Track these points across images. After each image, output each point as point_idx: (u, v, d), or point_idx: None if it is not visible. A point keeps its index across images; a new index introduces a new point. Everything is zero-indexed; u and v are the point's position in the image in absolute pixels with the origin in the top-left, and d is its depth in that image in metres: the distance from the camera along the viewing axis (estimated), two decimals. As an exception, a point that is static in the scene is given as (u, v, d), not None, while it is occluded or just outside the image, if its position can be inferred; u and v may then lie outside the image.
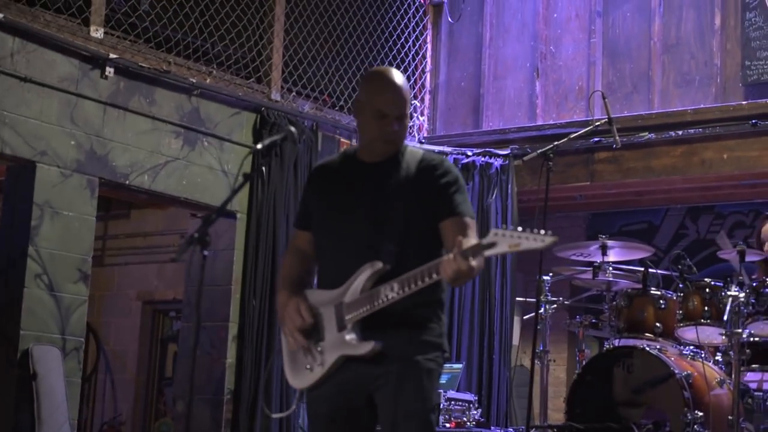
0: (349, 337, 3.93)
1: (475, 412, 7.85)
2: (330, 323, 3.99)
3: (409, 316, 3.94)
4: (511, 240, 3.54)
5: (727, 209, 9.42)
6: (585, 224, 9.85)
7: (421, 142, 9.54)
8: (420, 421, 3.91)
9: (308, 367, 4.02)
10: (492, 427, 8.11)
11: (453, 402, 7.64)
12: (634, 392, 6.35)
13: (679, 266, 6.49)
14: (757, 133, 8.30)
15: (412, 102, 9.61)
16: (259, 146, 4.12)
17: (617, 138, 6.91)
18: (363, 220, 4.01)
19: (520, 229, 3.55)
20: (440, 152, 9.32)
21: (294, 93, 8.64)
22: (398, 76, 4.05)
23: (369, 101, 4.03)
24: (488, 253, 3.61)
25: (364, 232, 3.99)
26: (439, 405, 7.27)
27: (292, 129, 4.23)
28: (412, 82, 9.64)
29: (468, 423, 7.72)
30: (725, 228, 9.40)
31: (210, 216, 4.00)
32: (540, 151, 6.75)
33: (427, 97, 9.82)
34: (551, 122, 9.14)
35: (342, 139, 8.95)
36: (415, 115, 9.67)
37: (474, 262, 3.66)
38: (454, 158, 9.16)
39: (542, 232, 3.51)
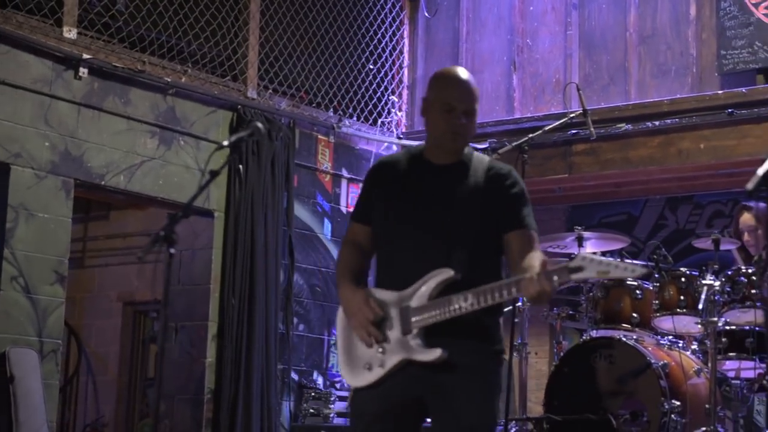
0: (414, 342, 3.90)
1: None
2: (395, 325, 3.94)
3: (475, 325, 3.92)
4: (599, 267, 3.58)
5: (706, 199, 9.44)
6: (564, 217, 9.85)
7: (399, 138, 9.54)
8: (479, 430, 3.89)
9: (367, 366, 3.98)
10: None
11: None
12: (612, 383, 6.34)
13: (655, 256, 6.50)
14: (733, 122, 8.32)
15: (390, 97, 9.61)
16: (225, 143, 4.09)
17: (592, 129, 6.92)
18: (432, 224, 3.96)
19: (609, 257, 3.63)
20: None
21: (270, 90, 8.63)
22: (464, 73, 4.08)
23: (436, 97, 4.03)
24: (575, 277, 3.64)
25: (433, 237, 3.95)
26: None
27: (259, 125, 4.20)
28: (389, 78, 9.63)
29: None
30: (704, 218, 9.41)
31: (176, 214, 4.00)
32: (515, 143, 6.76)
33: (404, 93, 9.82)
34: (529, 115, 9.15)
35: (319, 136, 8.95)
36: (393, 110, 9.66)
37: (556, 284, 3.67)
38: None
39: (634, 263, 3.61)
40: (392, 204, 4.05)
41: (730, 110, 8.29)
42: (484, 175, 4.00)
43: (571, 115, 7.03)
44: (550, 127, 7.02)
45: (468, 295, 3.82)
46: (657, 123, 8.61)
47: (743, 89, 8.30)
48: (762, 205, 7.20)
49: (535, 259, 3.78)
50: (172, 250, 3.83)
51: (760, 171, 3.29)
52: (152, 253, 10.94)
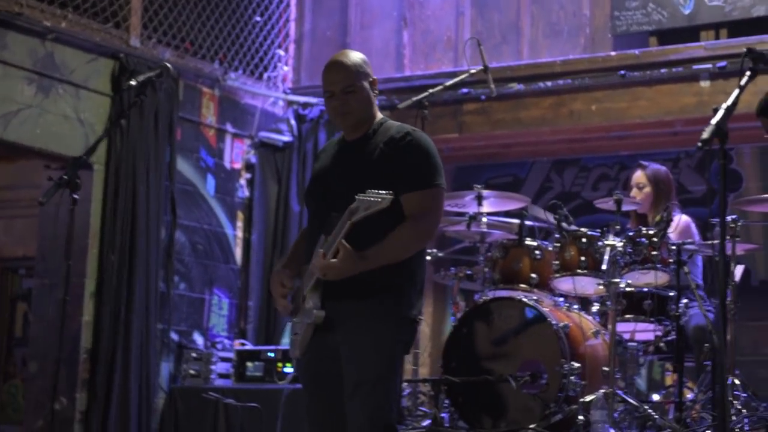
0: (308, 306, 4.12)
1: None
2: (301, 295, 4.21)
3: (361, 284, 4.04)
4: (364, 204, 3.88)
5: (593, 162, 9.43)
6: (451, 177, 9.69)
7: (285, 93, 9.28)
8: (366, 391, 4.00)
9: (293, 336, 4.22)
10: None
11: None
12: (511, 344, 6.25)
13: (556, 215, 6.39)
14: (625, 84, 8.29)
15: (277, 51, 9.33)
16: (133, 82, 3.84)
17: (492, 86, 6.80)
18: (331, 197, 4.17)
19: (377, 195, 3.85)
20: (305, 103, 9.10)
21: (154, 40, 8.26)
22: (343, 55, 4.31)
23: (322, 86, 4.25)
24: (355, 218, 3.90)
25: (330, 210, 4.11)
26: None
27: (168, 65, 3.96)
28: (276, 31, 9.34)
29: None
30: (590, 181, 9.40)
31: (80, 158, 3.73)
32: (415, 98, 6.59)
33: (291, 47, 9.54)
34: (419, 73, 8.99)
35: (204, 89, 8.63)
36: (279, 65, 9.38)
37: (339, 259, 3.93)
38: (321, 110, 8.92)
39: (384, 192, 3.83)
40: (313, 185, 4.39)
41: (622, 72, 8.26)
42: (382, 143, 4.19)
43: (471, 71, 6.88)
44: (453, 81, 6.87)
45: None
46: (549, 84, 8.54)
47: (636, 51, 8.27)
48: (655, 165, 7.21)
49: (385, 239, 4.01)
50: (76, 196, 3.57)
51: (713, 121, 3.19)
52: (20, 208, 10.45)
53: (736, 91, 3.36)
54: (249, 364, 7.84)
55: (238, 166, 8.92)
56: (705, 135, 3.19)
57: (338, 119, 4.26)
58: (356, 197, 3.89)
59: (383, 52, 9.21)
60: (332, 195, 4.17)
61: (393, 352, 4.10)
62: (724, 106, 3.30)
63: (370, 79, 4.30)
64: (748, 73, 3.53)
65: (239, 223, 8.89)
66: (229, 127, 8.86)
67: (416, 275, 4.19)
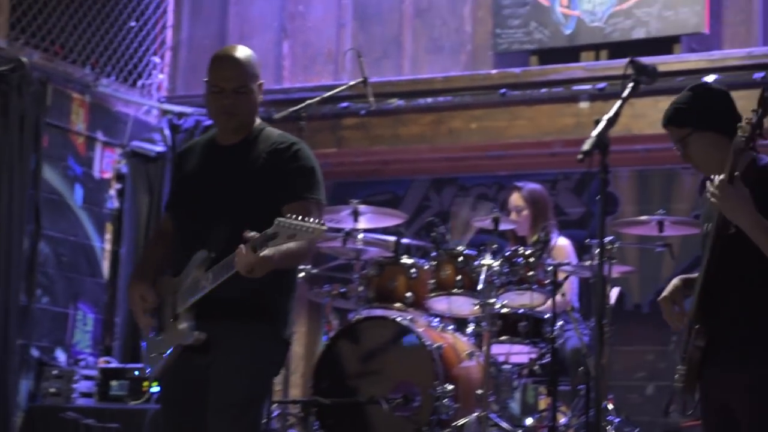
0: (181, 326, 3.91)
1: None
2: (168, 312, 4.00)
3: (240, 304, 3.87)
4: (288, 231, 3.56)
5: (471, 182, 9.33)
6: (329, 193, 9.46)
7: (160, 101, 9.00)
8: (235, 414, 3.84)
9: (153, 355, 4.04)
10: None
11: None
12: (384, 365, 6.08)
13: (433, 233, 6.26)
14: (505, 103, 8.22)
15: (152, 58, 9.06)
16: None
17: (372, 99, 6.63)
18: (206, 207, 4.00)
19: (299, 219, 3.56)
20: (180, 112, 8.84)
21: (22, 41, 7.91)
22: (238, 50, 4.12)
23: (208, 79, 4.06)
24: (272, 244, 3.61)
25: (204, 219, 3.98)
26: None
27: (23, 59, 3.71)
28: (152, 37, 9.06)
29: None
30: (469, 200, 9.31)
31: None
32: (292, 109, 6.41)
33: (167, 55, 9.27)
34: (299, 85, 8.80)
35: (74, 94, 8.30)
36: (154, 72, 9.10)
37: (267, 252, 3.60)
38: (196, 120, 8.68)
39: (314, 221, 3.57)
40: (180, 191, 4.18)
41: (503, 90, 8.19)
42: (266, 150, 4.01)
43: (351, 83, 6.72)
44: (332, 93, 6.70)
45: (209, 274, 3.85)
46: (429, 100, 8.43)
47: (517, 70, 8.21)
48: (531, 185, 7.15)
49: (252, 237, 3.73)
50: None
51: (594, 133, 3.08)
52: None
53: (618, 102, 3.27)
54: (113, 382, 7.54)
55: (108, 175, 8.60)
56: (586, 146, 3.09)
57: (222, 118, 4.05)
58: (277, 221, 3.60)
59: (263, 63, 8.91)
60: (206, 202, 3.99)
61: (266, 374, 3.99)
62: (606, 117, 3.20)
63: (259, 82, 4.15)
64: (630, 84, 3.43)
65: (108, 236, 8.56)
66: (99, 135, 8.54)
67: (292, 294, 4.05)
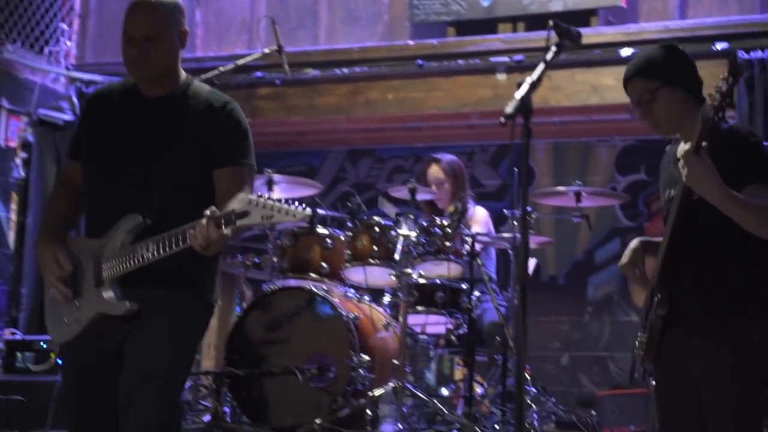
0: (107, 294, 3.70)
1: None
2: (89, 277, 3.75)
3: (172, 274, 3.67)
4: (264, 211, 3.37)
5: (387, 153, 9.27)
6: (243, 165, 9.38)
7: (68, 69, 8.75)
8: (160, 385, 3.65)
9: (66, 321, 3.79)
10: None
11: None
12: (299, 335, 5.97)
13: (349, 204, 6.16)
14: (422, 74, 8.14)
15: (60, 25, 8.80)
16: None
17: (287, 66, 6.51)
18: (132, 164, 3.73)
19: (276, 199, 3.35)
20: (90, 81, 8.62)
21: None
22: None
23: (123, 27, 3.79)
24: (240, 223, 3.41)
25: (132, 179, 3.72)
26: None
27: None
28: (59, 3, 8.80)
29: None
30: (385, 172, 9.24)
31: None
32: (204, 76, 6.23)
33: (76, 22, 9.01)
34: (212, 54, 8.61)
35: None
36: (62, 39, 8.85)
37: (226, 230, 3.40)
38: (106, 88, 8.44)
39: (296, 205, 3.36)
40: (96, 141, 3.85)
41: (420, 62, 8.11)
42: (198, 107, 3.78)
43: (266, 51, 6.58)
44: (243, 60, 6.56)
45: (150, 243, 3.62)
46: (346, 71, 8.31)
47: (434, 41, 8.14)
48: (449, 157, 7.09)
49: (214, 211, 3.50)
50: None
51: (518, 95, 3.00)
52: None
53: (542, 66, 3.19)
54: (19, 354, 7.32)
55: (13, 144, 8.35)
56: (509, 109, 3.00)
57: (131, 69, 3.79)
58: (249, 199, 3.38)
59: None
60: (133, 159, 3.73)
61: (192, 343, 3.82)
62: (529, 80, 3.12)
63: (181, 29, 3.83)
64: (553, 48, 3.35)
65: (13, 206, 8.32)
66: (4, 103, 8.28)
67: (219, 258, 3.87)
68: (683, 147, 3.57)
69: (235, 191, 3.62)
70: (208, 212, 3.44)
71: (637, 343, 3.71)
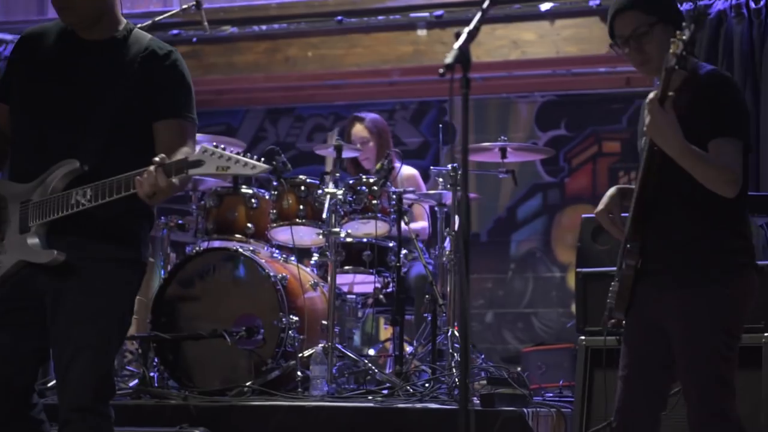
0: (32, 241, 3.53)
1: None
2: (14, 222, 3.59)
3: (105, 225, 3.51)
4: (220, 162, 3.29)
5: (307, 112, 9.16)
6: (159, 125, 9.19)
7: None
8: (94, 352, 3.49)
9: None
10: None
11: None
12: (226, 297, 5.87)
13: (274, 162, 6.04)
14: (342, 30, 8.05)
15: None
16: None
17: (206, 23, 6.34)
18: (68, 109, 3.58)
19: (232, 150, 3.27)
20: (1, 40, 8.36)
21: None
22: None
23: None
24: (193, 172, 3.33)
25: (67, 123, 3.56)
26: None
27: None
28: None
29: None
30: (305, 131, 9.13)
31: None
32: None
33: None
34: (126, 12, 8.32)
35: None
36: (-30, -2, 8.57)
37: (175, 180, 3.29)
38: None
39: (254, 158, 3.29)
40: (28, 83, 3.66)
41: (339, 18, 8.01)
42: (140, 54, 3.62)
43: (184, 7, 6.41)
44: (163, 17, 6.35)
45: (87, 190, 3.47)
46: (264, 28, 8.18)
47: (353, -4, 8.06)
48: (372, 115, 7.02)
49: (164, 158, 3.38)
50: None
51: (456, 45, 2.92)
52: None
53: (479, 14, 3.10)
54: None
55: None
56: (448, 60, 2.91)
57: (61, 15, 3.62)
58: (204, 148, 3.30)
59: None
60: (69, 103, 3.57)
61: (126, 307, 3.65)
62: (467, 30, 3.03)
63: None
64: (488, -3, 3.26)
65: None
66: None
67: (152, 213, 3.75)
68: (650, 96, 3.53)
69: (177, 145, 3.53)
70: (157, 159, 3.34)
71: (609, 292, 3.69)
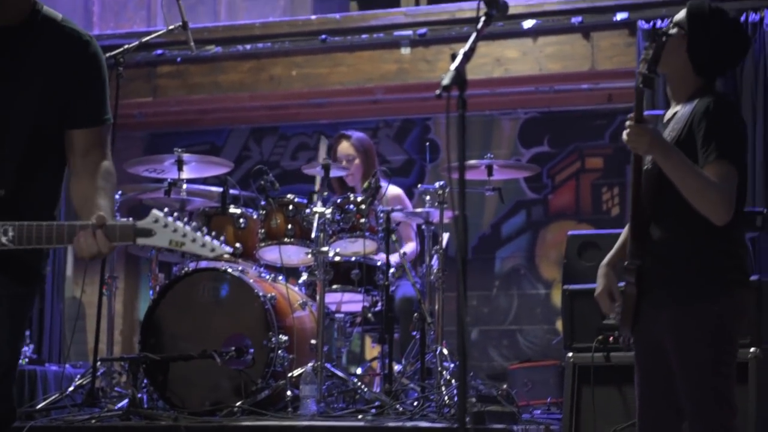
0: None
1: (26, 348, 7.15)
2: None
3: (10, 262, 3.15)
4: (174, 236, 3.00)
5: (291, 131, 9.16)
6: (143, 145, 9.18)
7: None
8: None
9: None
10: (47, 364, 7.40)
11: None
12: (216, 318, 5.86)
13: (261, 182, 6.05)
14: (326, 49, 8.09)
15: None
16: None
17: (192, 44, 6.37)
18: None
19: (186, 224, 3.00)
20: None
21: None
22: None
23: None
24: (141, 242, 3.02)
25: None
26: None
27: None
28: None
29: (19, 360, 6.97)
30: (289, 150, 9.14)
31: None
32: (109, 54, 6.08)
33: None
34: (110, 32, 8.43)
35: None
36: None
37: (118, 244, 3.01)
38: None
39: (215, 241, 3.02)
40: None
41: (323, 37, 8.05)
42: (56, 48, 3.19)
43: (171, 27, 6.42)
44: (149, 38, 6.41)
45: (9, 230, 3.07)
46: (248, 47, 8.21)
47: (337, 15, 8.10)
48: (358, 134, 7.04)
49: (101, 195, 3.12)
50: None
51: (453, 66, 2.95)
52: None
53: (474, 35, 3.15)
54: None
55: None
56: (446, 81, 2.94)
57: None
58: (155, 217, 3.00)
59: (70, 8, 8.55)
60: None
61: (23, 329, 3.40)
62: (462, 51, 3.07)
63: None
64: (483, 18, 3.31)
65: None
66: None
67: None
68: (671, 109, 3.69)
69: (95, 154, 3.23)
70: (96, 220, 3.01)
71: (613, 314, 3.75)
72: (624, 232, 3.81)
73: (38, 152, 3.19)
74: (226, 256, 5.82)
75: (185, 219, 3.06)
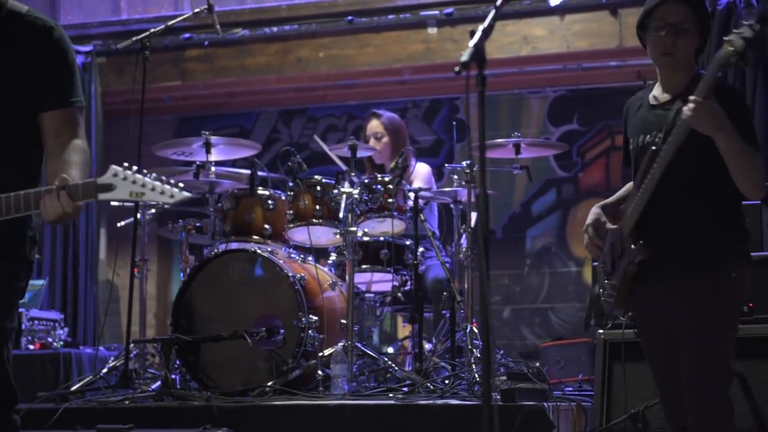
0: None
1: (61, 331, 7.21)
2: None
3: None
4: (133, 187, 3.06)
5: (320, 112, 9.19)
6: (173, 129, 9.24)
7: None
8: None
9: None
10: (81, 347, 7.47)
11: (36, 321, 6.96)
12: (246, 299, 5.89)
13: (289, 163, 6.07)
14: (353, 30, 8.09)
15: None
16: None
17: (218, 26, 6.38)
18: None
19: (146, 175, 3.05)
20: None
21: None
22: None
23: None
24: (103, 197, 3.09)
25: None
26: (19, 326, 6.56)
27: None
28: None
29: (54, 343, 7.05)
30: (318, 131, 9.16)
31: None
32: (135, 38, 6.11)
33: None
34: (137, 16, 8.46)
35: None
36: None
37: (82, 203, 3.10)
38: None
39: (172, 183, 3.08)
40: None
41: (350, 18, 8.05)
42: (21, 34, 3.32)
43: (196, 11, 6.44)
44: (176, 21, 6.41)
45: None
46: (275, 29, 8.22)
47: (363, -5, 8.11)
48: (390, 114, 7.05)
49: (70, 166, 3.20)
50: None
51: (471, 42, 2.94)
52: None
53: (492, 12, 3.14)
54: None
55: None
56: (464, 57, 2.93)
57: None
58: (114, 171, 3.06)
59: (98, -5, 8.64)
60: None
61: (15, 313, 3.40)
62: (481, 27, 3.06)
63: None
64: (501, -6, 3.29)
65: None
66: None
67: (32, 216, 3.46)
68: (659, 93, 3.64)
69: (66, 135, 3.33)
70: (58, 182, 3.10)
71: (600, 291, 3.73)
72: (625, 188, 3.88)
73: (10, 136, 3.30)
74: (256, 237, 6.05)
75: (147, 172, 3.11)
